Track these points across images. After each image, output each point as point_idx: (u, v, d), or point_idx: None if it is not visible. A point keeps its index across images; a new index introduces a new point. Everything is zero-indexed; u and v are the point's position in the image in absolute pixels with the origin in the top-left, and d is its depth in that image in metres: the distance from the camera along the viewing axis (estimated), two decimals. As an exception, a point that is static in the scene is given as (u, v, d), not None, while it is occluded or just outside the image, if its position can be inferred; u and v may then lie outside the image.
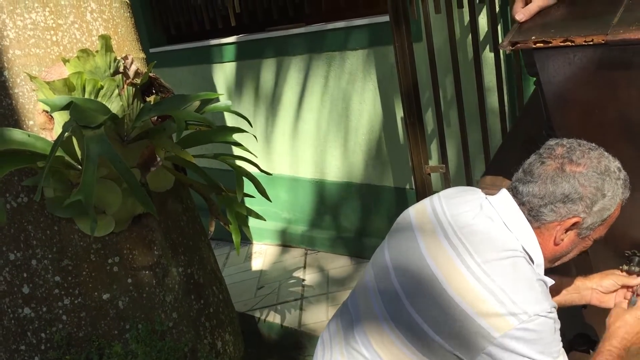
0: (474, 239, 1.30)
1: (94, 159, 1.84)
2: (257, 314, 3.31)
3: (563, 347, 1.28)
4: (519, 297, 1.22)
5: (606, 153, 1.28)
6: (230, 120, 4.10)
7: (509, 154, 1.86)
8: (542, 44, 1.28)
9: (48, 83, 2.01)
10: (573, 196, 1.25)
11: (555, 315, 1.25)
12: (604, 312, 1.58)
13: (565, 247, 1.33)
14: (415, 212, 1.46)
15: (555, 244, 1.31)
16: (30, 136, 2.01)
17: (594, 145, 1.28)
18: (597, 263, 1.63)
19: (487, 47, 2.75)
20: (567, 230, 1.29)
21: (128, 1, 2.39)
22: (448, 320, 1.26)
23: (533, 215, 1.29)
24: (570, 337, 1.80)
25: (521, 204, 1.30)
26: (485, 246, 1.28)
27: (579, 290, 1.56)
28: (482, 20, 2.73)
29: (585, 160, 1.25)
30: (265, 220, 2.45)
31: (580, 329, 1.82)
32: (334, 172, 3.77)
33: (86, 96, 2.02)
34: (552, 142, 1.31)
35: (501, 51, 2.61)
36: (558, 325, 1.26)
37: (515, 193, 1.32)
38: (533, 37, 1.30)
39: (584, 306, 1.67)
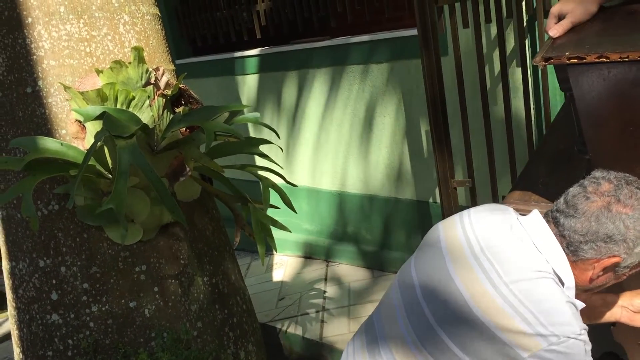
0: (502, 259, 1.29)
1: (125, 168, 1.87)
2: (278, 325, 3.32)
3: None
4: (547, 318, 1.20)
5: None
6: (254, 131, 4.13)
7: (538, 170, 1.86)
8: (576, 60, 1.28)
9: (81, 93, 2.05)
10: (616, 237, 1.22)
11: (585, 337, 1.23)
12: (633, 330, 1.57)
13: (600, 283, 1.31)
14: (444, 228, 1.44)
15: (591, 280, 1.29)
16: (63, 145, 2.05)
17: None
18: (628, 282, 1.61)
19: (514, 62, 2.75)
20: (605, 268, 1.27)
21: (159, 14, 2.43)
22: (475, 339, 1.25)
23: (572, 250, 1.27)
24: (597, 355, 1.78)
25: (561, 235, 1.28)
26: (513, 266, 1.27)
27: (609, 307, 1.54)
28: (509, 34, 2.73)
29: (632, 202, 1.22)
30: (290, 231, 2.46)
31: (608, 347, 1.80)
32: (356, 184, 3.78)
33: (118, 106, 2.05)
34: (598, 174, 1.28)
35: (528, 66, 2.61)
36: (589, 347, 1.24)
37: (556, 224, 1.29)
38: (567, 53, 1.29)
39: (613, 324, 1.65)
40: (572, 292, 1.30)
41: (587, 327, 1.25)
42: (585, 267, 1.28)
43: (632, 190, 1.23)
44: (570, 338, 1.20)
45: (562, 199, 1.30)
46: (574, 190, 1.29)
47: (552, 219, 1.31)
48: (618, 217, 1.22)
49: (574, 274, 1.29)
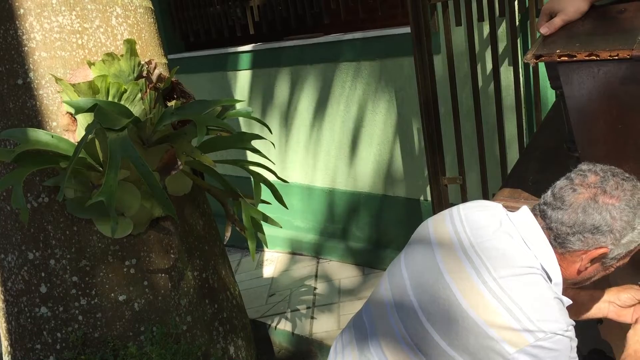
0: (491, 254, 1.30)
1: (116, 160, 1.87)
2: (268, 321, 3.32)
3: (578, 363, 1.28)
4: (535, 314, 1.21)
5: (639, 184, 1.26)
6: (245, 126, 4.13)
7: (528, 167, 1.87)
8: (566, 58, 1.29)
9: (73, 85, 2.04)
10: (603, 228, 1.23)
11: (572, 333, 1.24)
12: (620, 327, 1.58)
13: (588, 274, 1.32)
14: (434, 224, 1.45)
15: (579, 272, 1.30)
16: (54, 137, 2.04)
17: (627, 175, 1.26)
18: (615, 277, 1.62)
19: (506, 60, 2.76)
20: (592, 260, 1.28)
21: (152, 7, 2.42)
22: (463, 334, 1.25)
23: (559, 242, 1.28)
24: (585, 352, 1.80)
25: (548, 228, 1.29)
26: (502, 262, 1.28)
27: (596, 303, 1.55)
28: (501, 33, 2.75)
29: (619, 193, 1.23)
30: (281, 227, 2.46)
31: (595, 344, 1.81)
32: (348, 181, 3.78)
33: (110, 99, 2.04)
34: (584, 166, 1.29)
35: (520, 65, 2.62)
36: (575, 343, 1.25)
37: (543, 217, 1.30)
38: (558, 51, 1.30)
39: (600, 321, 1.66)
40: (560, 289, 1.31)
41: (574, 323, 1.26)
42: (573, 259, 1.29)
43: (618, 182, 1.24)
44: (556, 334, 1.20)
45: (549, 192, 1.31)
46: (560, 183, 1.30)
47: (539, 212, 1.32)
48: (604, 208, 1.23)
49: (562, 267, 1.30)
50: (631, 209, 1.23)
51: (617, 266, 1.32)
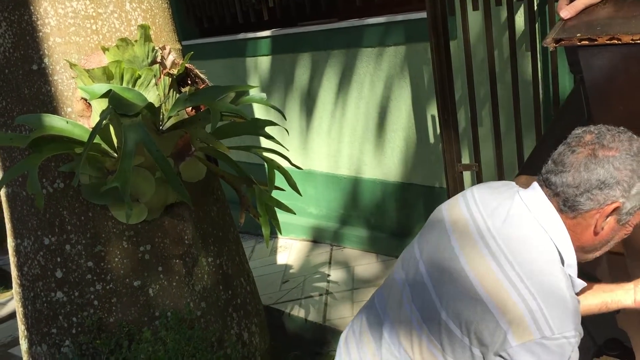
0: (508, 237, 1.29)
1: (131, 146, 1.87)
2: (281, 308, 3.33)
3: (594, 351, 1.27)
4: (549, 310, 1.20)
5: (635, 135, 1.25)
6: (260, 113, 4.12)
7: (545, 153, 1.84)
8: (587, 42, 1.27)
9: (87, 71, 2.04)
10: (609, 181, 1.21)
11: (576, 341, 1.22)
12: (638, 317, 1.56)
13: (606, 236, 1.29)
14: (448, 208, 1.44)
15: (595, 233, 1.28)
16: (69, 123, 2.04)
17: (622, 128, 1.25)
18: (634, 269, 1.60)
19: (524, 45, 2.72)
20: (607, 217, 1.25)
21: (166, -8, 2.41)
22: (472, 317, 1.25)
23: (569, 205, 1.26)
24: (601, 342, 1.78)
25: (555, 195, 1.27)
26: (520, 247, 1.27)
27: (625, 290, 1.50)
28: (519, 18, 2.71)
29: (616, 144, 1.22)
30: (295, 213, 2.45)
31: (612, 333, 1.80)
32: (363, 168, 3.77)
33: (124, 85, 2.04)
34: (578, 130, 1.29)
35: (538, 50, 2.58)
36: (576, 355, 1.23)
37: (548, 185, 1.29)
38: (578, 35, 1.28)
39: (617, 311, 1.64)
40: (573, 270, 1.29)
41: (582, 333, 1.24)
42: (587, 222, 1.26)
43: (614, 135, 1.23)
44: (563, 337, 1.19)
45: (549, 161, 1.31)
46: (559, 149, 1.29)
47: (544, 182, 1.31)
48: (606, 161, 1.21)
49: (577, 234, 1.28)
50: (632, 157, 1.21)
51: (634, 224, 1.29)
